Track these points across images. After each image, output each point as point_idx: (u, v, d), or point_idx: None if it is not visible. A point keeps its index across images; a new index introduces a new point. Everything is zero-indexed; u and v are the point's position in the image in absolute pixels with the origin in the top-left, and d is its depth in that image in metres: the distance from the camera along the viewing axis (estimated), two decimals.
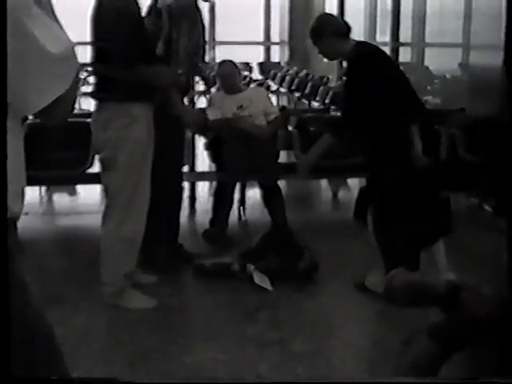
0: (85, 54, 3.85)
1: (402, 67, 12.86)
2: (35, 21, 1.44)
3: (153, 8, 4.63)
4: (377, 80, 4.27)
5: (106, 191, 4.40)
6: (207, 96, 6.75)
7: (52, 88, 1.49)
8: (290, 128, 6.54)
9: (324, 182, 8.32)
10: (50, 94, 1.49)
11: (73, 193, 7.48)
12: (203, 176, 6.71)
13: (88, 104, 7.78)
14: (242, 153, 5.65)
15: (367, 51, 4.43)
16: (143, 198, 4.32)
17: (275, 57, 19.86)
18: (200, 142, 6.84)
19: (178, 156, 5.07)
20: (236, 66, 6.11)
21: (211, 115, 5.97)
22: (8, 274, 1.45)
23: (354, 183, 7.75)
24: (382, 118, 4.28)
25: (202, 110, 6.58)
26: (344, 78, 4.52)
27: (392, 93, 4.31)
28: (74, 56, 1.59)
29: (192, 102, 6.69)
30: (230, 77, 5.97)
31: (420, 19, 12.33)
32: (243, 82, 13.30)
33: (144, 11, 4.46)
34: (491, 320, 2.78)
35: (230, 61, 6.15)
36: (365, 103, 4.31)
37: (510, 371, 2.56)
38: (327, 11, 16.39)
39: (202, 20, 4.87)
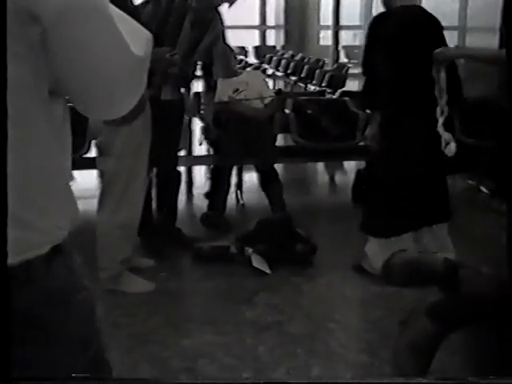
0: None
1: None
2: (116, 17, 1.28)
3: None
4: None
5: (102, 177, 4.39)
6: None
7: (137, 92, 1.38)
8: (286, 111, 6.52)
9: (320, 166, 8.31)
10: (135, 97, 1.38)
11: (69, 171, 7.43)
12: (200, 160, 6.68)
13: None
14: (238, 136, 5.63)
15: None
16: (139, 184, 4.31)
17: (271, 41, 19.82)
18: (197, 125, 6.81)
19: (175, 141, 5.06)
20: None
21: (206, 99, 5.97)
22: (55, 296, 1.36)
23: (351, 166, 7.74)
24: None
25: (198, 94, 6.58)
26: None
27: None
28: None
29: (188, 88, 6.68)
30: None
31: None
32: (239, 65, 13.32)
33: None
34: (490, 298, 2.78)
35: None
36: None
37: (510, 371, 2.56)
38: None
39: (222, 24, 4.81)
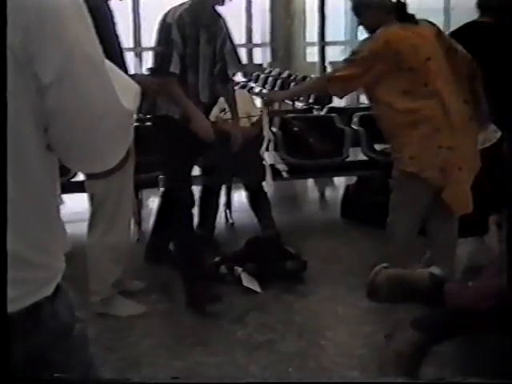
0: None
1: None
2: (109, 71, 1.31)
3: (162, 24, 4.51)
4: None
5: (91, 200, 4.39)
6: None
7: (124, 145, 1.39)
8: (273, 129, 6.53)
9: (311, 182, 8.33)
10: (123, 150, 1.39)
11: (59, 201, 7.44)
12: None
13: None
14: (226, 155, 5.64)
15: None
16: (127, 206, 4.32)
17: (257, 58, 19.87)
18: None
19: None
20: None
21: None
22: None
23: (341, 182, 7.76)
24: None
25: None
26: None
27: None
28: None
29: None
30: None
31: None
32: None
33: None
34: (475, 311, 2.79)
35: None
36: None
37: (510, 372, 2.57)
38: (308, 13, 16.47)
39: (226, 25, 4.78)
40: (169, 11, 4.47)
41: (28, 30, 1.16)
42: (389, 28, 4.05)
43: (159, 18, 4.54)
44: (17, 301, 1.25)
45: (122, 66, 4.22)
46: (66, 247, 1.41)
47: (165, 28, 4.42)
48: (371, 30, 4.21)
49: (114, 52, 4.04)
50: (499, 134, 4.35)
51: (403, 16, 4.16)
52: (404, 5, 4.25)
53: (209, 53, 4.58)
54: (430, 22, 4.27)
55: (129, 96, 1.36)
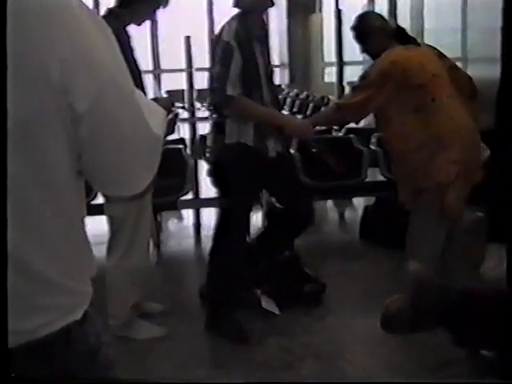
0: None
1: None
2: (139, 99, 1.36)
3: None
4: None
5: (111, 222, 4.41)
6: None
7: (153, 169, 1.42)
8: (291, 151, 6.55)
9: (330, 203, 8.33)
10: (152, 174, 1.43)
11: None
12: (207, 202, 6.71)
13: None
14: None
15: None
16: (146, 229, 4.34)
17: (276, 79, 19.92)
18: (203, 168, 6.85)
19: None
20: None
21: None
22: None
23: (360, 202, 7.75)
24: None
25: (204, 137, 6.62)
26: None
27: None
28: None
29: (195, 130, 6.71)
30: None
31: (418, 33, 12.43)
32: None
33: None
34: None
35: None
36: None
37: (510, 373, 2.57)
38: (325, 33, 16.52)
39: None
40: (223, 28, 4.28)
41: (64, 63, 1.19)
42: (393, 50, 4.14)
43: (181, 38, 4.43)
44: (47, 325, 1.28)
45: (141, 90, 4.26)
46: (92, 271, 1.43)
47: (223, 47, 4.19)
48: (375, 55, 4.28)
49: (133, 76, 4.07)
50: (488, 152, 4.39)
51: (405, 39, 4.28)
52: (403, 29, 4.35)
53: (264, 64, 4.37)
54: (430, 46, 4.40)
55: (157, 122, 1.40)
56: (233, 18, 4.32)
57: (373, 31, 4.29)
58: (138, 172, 1.39)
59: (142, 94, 1.40)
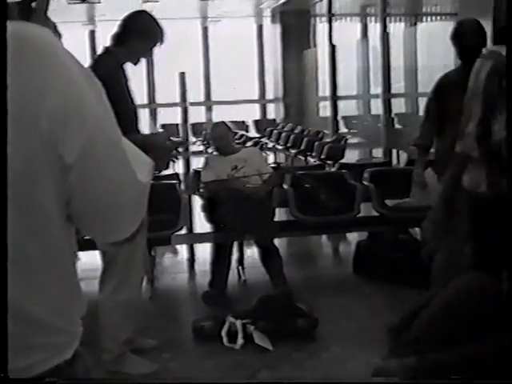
0: None
1: (396, 117, 13.09)
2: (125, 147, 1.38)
3: None
4: None
5: (103, 256, 4.43)
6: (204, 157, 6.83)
7: (140, 216, 1.45)
8: (285, 186, 6.59)
9: (324, 237, 8.34)
10: (138, 220, 1.45)
11: (75, 259, 7.47)
12: (201, 237, 6.73)
13: None
14: (237, 213, 5.69)
15: None
16: (140, 262, 4.35)
17: (271, 114, 20.06)
18: (197, 203, 6.89)
19: None
20: (229, 128, 6.18)
21: (204, 177, 6.06)
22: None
23: (354, 237, 7.76)
24: None
25: (197, 172, 6.67)
26: None
27: None
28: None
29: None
30: (222, 138, 6.05)
31: (412, 70, 12.55)
32: (239, 140, 13.49)
33: None
34: None
35: (223, 122, 6.24)
36: None
37: (509, 373, 2.58)
38: (320, 69, 16.65)
39: None
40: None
41: (54, 115, 1.21)
42: None
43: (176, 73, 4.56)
44: (37, 365, 1.30)
45: (135, 127, 4.31)
46: (83, 311, 1.45)
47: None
48: None
49: (129, 113, 4.13)
50: None
51: None
52: None
53: None
54: None
55: (143, 169, 1.42)
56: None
57: None
58: (124, 219, 1.41)
59: (129, 142, 1.42)
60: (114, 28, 4.38)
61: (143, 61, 4.41)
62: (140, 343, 4.66)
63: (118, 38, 4.33)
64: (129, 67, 4.36)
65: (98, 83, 1.33)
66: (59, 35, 1.61)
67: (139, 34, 4.29)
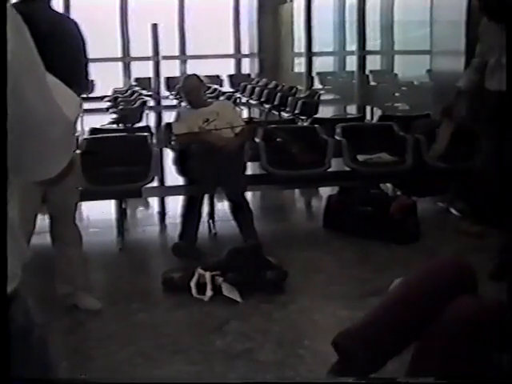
0: None
1: (371, 75, 13.08)
2: (50, 82, 1.39)
3: None
4: None
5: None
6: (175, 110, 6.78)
7: (68, 153, 1.47)
8: (257, 140, 6.58)
9: (297, 192, 8.36)
10: (66, 158, 1.46)
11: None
12: (172, 190, 6.72)
13: None
14: (208, 166, 5.68)
15: None
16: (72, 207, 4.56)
17: (246, 69, 19.96)
18: (168, 156, 6.86)
19: None
20: (201, 80, 6.15)
21: (176, 129, 6.04)
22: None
23: (326, 191, 7.78)
24: None
25: (169, 125, 6.63)
26: None
27: None
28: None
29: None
30: (194, 91, 6.02)
31: (388, 29, 12.52)
32: (212, 94, 13.41)
33: None
34: None
35: (195, 75, 6.21)
36: None
37: (509, 373, 2.59)
38: (295, 24, 16.56)
39: None
40: None
41: None
42: None
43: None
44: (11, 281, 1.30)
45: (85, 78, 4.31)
46: (24, 257, 1.44)
47: None
48: None
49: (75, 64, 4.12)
50: None
51: None
52: None
53: None
54: None
55: (70, 106, 1.43)
56: None
57: None
58: (51, 156, 1.42)
59: (56, 79, 1.44)
60: None
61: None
62: (82, 304, 4.64)
63: None
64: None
65: (22, 25, 1.31)
66: None
67: None
